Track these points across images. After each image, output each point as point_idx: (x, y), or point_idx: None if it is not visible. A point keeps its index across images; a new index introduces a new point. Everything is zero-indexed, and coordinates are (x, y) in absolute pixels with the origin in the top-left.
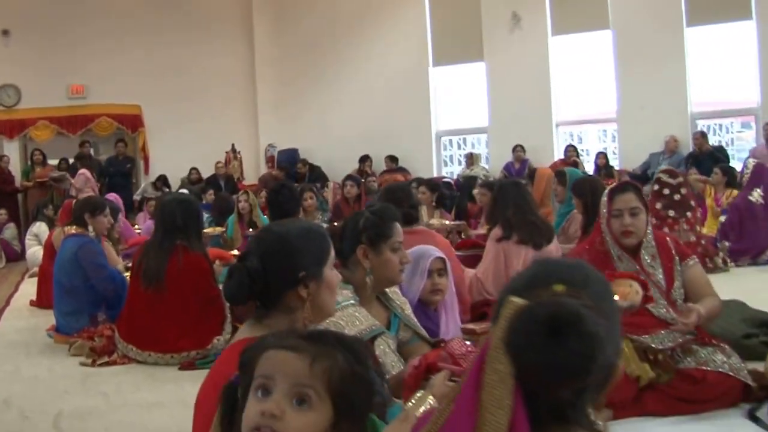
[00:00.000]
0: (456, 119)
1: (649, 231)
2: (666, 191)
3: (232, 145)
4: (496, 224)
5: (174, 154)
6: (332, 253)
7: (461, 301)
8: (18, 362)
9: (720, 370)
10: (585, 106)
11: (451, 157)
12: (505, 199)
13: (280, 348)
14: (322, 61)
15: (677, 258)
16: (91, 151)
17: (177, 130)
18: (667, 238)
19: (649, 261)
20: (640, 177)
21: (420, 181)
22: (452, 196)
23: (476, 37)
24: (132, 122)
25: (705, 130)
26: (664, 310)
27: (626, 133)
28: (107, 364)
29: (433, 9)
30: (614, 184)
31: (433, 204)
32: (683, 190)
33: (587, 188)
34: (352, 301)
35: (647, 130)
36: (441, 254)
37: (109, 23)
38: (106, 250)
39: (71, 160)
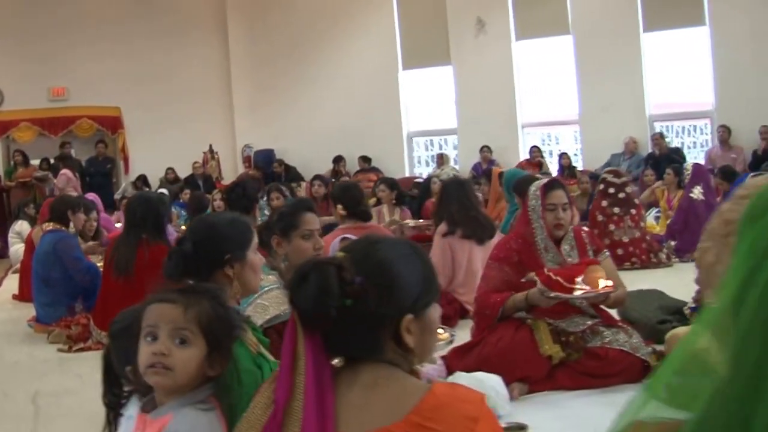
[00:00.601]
0: (426, 121)
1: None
2: (611, 190)
3: (210, 145)
4: (442, 220)
5: (153, 155)
6: (254, 239)
7: None
8: (1, 350)
9: (622, 348)
10: (549, 108)
11: (433, 156)
12: (450, 197)
13: (160, 302)
14: (296, 65)
15: (591, 251)
16: (72, 152)
17: (156, 132)
18: (582, 233)
19: (568, 251)
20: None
21: (381, 180)
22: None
23: (443, 42)
24: (112, 124)
25: (664, 131)
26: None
27: (588, 134)
28: (83, 350)
29: (402, 15)
30: (544, 180)
31: (393, 202)
32: (628, 189)
33: (526, 187)
34: (277, 285)
35: (608, 132)
36: (350, 236)
37: (89, 28)
38: None
39: (52, 161)
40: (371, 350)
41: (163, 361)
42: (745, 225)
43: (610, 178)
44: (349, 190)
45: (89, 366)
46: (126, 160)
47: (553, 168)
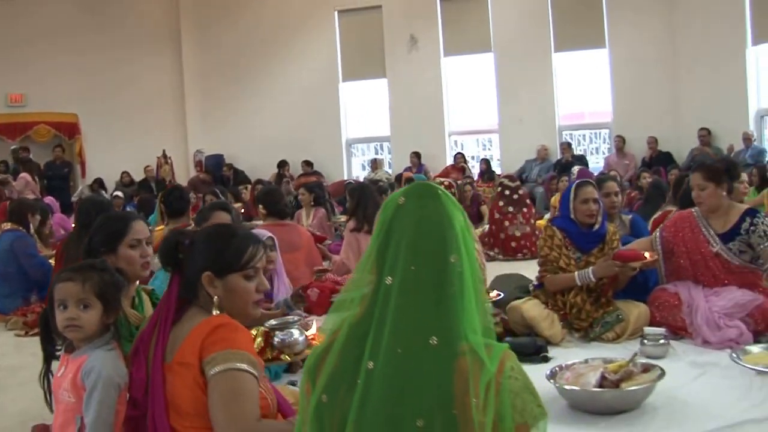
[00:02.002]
0: (363, 128)
1: None
2: (507, 192)
3: (163, 150)
4: (352, 217)
5: (109, 159)
6: (128, 234)
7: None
8: None
9: None
10: (472, 118)
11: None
12: (367, 197)
13: (64, 281)
14: (245, 75)
15: None
16: (30, 156)
17: (112, 137)
18: None
19: None
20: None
21: (302, 185)
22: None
23: (379, 57)
24: (69, 130)
25: (571, 140)
26: None
27: (506, 142)
28: (37, 334)
29: (342, 31)
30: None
31: (312, 204)
32: (521, 191)
33: None
34: None
35: (523, 140)
36: (270, 235)
37: (46, 37)
38: None
39: (11, 164)
40: (193, 294)
41: (74, 323)
42: (381, 211)
43: (506, 182)
44: (269, 194)
45: None
46: (83, 164)
47: (476, 172)
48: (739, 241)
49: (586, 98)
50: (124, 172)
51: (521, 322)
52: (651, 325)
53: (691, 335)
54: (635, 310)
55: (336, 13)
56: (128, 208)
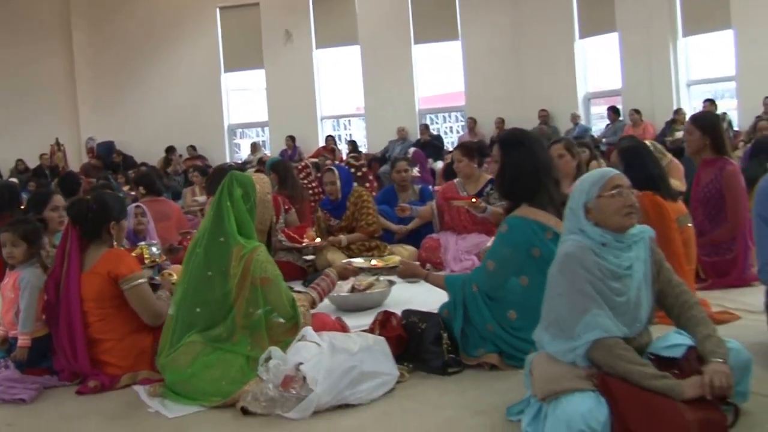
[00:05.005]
0: (244, 115)
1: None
2: (352, 170)
3: (56, 138)
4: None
5: (3, 148)
6: (50, 203)
7: None
8: None
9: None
10: (341, 103)
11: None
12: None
13: (4, 231)
14: (134, 66)
15: (284, 210)
16: None
17: (5, 126)
18: (279, 198)
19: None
20: (380, 159)
21: (194, 167)
22: None
23: (257, 49)
24: None
25: (429, 122)
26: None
27: (371, 124)
28: None
29: (223, 26)
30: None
31: (204, 185)
32: (364, 169)
33: (280, 168)
34: None
35: (386, 123)
36: (139, 204)
37: None
38: None
39: None
40: (98, 236)
41: (11, 254)
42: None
43: (351, 161)
44: (142, 177)
45: None
46: None
47: (345, 152)
48: (482, 200)
49: (442, 84)
50: (18, 160)
51: (327, 264)
52: (418, 261)
53: (443, 267)
54: (406, 252)
55: (218, 9)
56: (23, 194)
